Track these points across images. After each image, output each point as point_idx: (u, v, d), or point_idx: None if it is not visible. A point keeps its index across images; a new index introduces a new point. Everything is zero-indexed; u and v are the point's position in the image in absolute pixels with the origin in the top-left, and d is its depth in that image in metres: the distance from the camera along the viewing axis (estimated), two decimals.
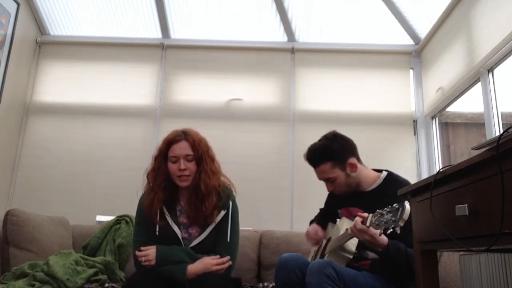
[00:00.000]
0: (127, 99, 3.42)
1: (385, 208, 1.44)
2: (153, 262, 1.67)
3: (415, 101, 3.39)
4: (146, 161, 3.23)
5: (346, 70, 3.43)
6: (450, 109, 3.14)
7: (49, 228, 2.49)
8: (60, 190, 3.21)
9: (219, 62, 3.48)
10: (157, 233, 1.76)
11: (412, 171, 3.16)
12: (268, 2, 3.35)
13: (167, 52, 3.53)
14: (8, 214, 2.32)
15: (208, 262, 1.70)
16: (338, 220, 1.90)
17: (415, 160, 3.25)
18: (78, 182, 3.23)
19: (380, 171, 1.89)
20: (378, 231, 1.50)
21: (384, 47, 3.45)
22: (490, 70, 2.50)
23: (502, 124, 2.44)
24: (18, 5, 3.20)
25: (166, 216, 1.79)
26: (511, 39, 2.20)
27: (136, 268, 1.76)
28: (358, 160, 1.87)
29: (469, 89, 2.77)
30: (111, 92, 3.44)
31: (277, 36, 3.54)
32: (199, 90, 3.42)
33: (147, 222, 1.79)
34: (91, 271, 2.18)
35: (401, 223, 1.34)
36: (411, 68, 3.44)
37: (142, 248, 1.71)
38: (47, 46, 3.58)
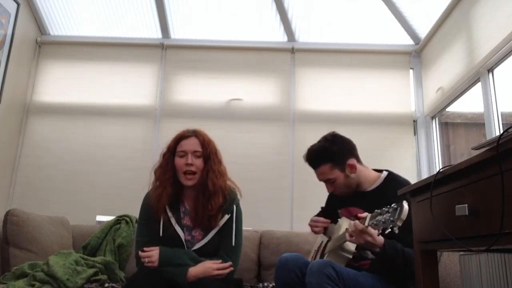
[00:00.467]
0: (127, 99, 3.42)
1: (384, 208, 1.44)
2: (156, 264, 1.66)
3: (415, 101, 3.39)
4: (146, 161, 3.26)
5: (346, 70, 3.43)
6: (450, 109, 3.14)
7: (49, 228, 2.49)
8: (60, 190, 3.21)
9: (219, 62, 3.48)
10: (160, 234, 1.75)
11: (412, 171, 3.16)
12: (268, 2, 3.35)
13: (167, 52, 3.53)
14: (8, 214, 2.32)
15: (209, 266, 1.69)
16: (338, 220, 1.90)
17: (415, 160, 3.25)
18: (78, 182, 3.23)
19: (380, 171, 1.89)
20: (376, 231, 1.50)
21: (384, 47, 3.45)
22: (490, 70, 2.50)
23: (502, 124, 2.44)
24: (18, 5, 3.20)
25: (170, 217, 1.78)
26: (511, 39, 2.20)
27: (137, 268, 1.75)
28: (358, 160, 1.87)
29: (469, 89, 2.77)
30: (111, 92, 3.44)
31: (277, 36, 3.54)
32: (199, 90, 3.42)
33: (150, 222, 1.78)
34: (91, 271, 2.18)
35: (399, 223, 1.34)
36: (411, 68, 3.44)
37: (145, 248, 1.71)
38: (47, 46, 3.58)
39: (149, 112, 3.40)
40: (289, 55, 3.48)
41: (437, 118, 3.29)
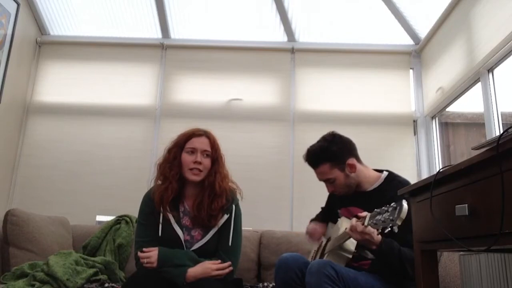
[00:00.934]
0: (127, 99, 3.42)
1: (383, 208, 1.44)
2: (155, 264, 1.66)
3: (415, 101, 3.39)
4: (146, 161, 3.27)
5: (346, 70, 3.43)
6: (450, 109, 3.14)
7: (49, 228, 2.49)
8: (60, 190, 3.21)
9: (219, 62, 3.48)
10: (160, 234, 1.75)
11: (412, 171, 3.16)
12: (268, 2, 3.35)
13: (167, 52, 3.53)
14: (8, 214, 2.32)
15: (208, 267, 1.69)
16: (338, 219, 1.90)
17: (415, 160, 3.25)
18: (78, 182, 3.23)
19: (380, 171, 1.89)
20: (375, 230, 1.50)
21: (384, 47, 3.45)
22: (490, 70, 2.50)
23: (502, 124, 2.44)
24: (18, 5, 3.20)
25: (169, 217, 1.77)
26: (511, 39, 2.20)
27: (136, 268, 1.75)
28: (358, 160, 1.87)
29: (469, 89, 2.77)
30: (111, 92, 3.44)
31: (277, 36, 3.54)
32: (199, 90, 3.42)
33: (150, 222, 1.78)
34: (91, 271, 2.18)
35: (399, 222, 1.34)
36: (411, 68, 3.44)
37: (144, 249, 1.70)
38: (47, 46, 3.58)
39: (149, 112, 3.40)
40: (289, 55, 3.48)
41: (437, 118, 3.29)
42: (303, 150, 1.93)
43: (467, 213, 1.01)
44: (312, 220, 2.14)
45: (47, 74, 3.51)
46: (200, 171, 1.77)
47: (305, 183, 3.11)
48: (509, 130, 0.89)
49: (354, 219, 1.57)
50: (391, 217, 1.36)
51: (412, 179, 1.84)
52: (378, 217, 1.44)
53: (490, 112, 2.48)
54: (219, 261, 1.73)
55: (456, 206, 1.05)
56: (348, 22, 3.43)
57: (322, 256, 1.88)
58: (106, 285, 2.13)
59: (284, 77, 3.44)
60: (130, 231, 2.62)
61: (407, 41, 3.45)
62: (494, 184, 0.93)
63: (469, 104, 2.99)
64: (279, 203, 3.17)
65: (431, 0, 3.05)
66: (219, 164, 1.82)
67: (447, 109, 3.15)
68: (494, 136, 1.32)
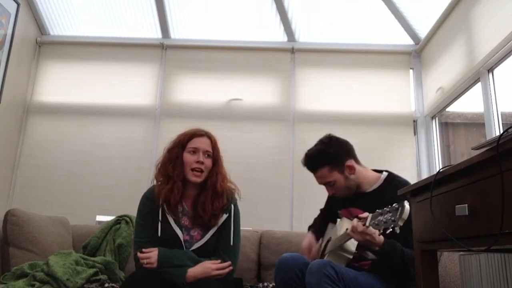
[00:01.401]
0: (127, 99, 3.42)
1: (385, 208, 1.44)
2: (155, 265, 1.65)
3: (415, 101, 3.39)
4: (146, 161, 3.27)
5: (346, 70, 3.43)
6: (450, 109, 3.14)
7: (49, 228, 2.49)
8: (60, 190, 3.21)
9: (219, 62, 3.48)
10: (159, 234, 1.75)
11: (412, 171, 3.16)
12: (268, 2, 3.35)
13: (167, 52, 3.53)
14: (8, 214, 2.32)
15: (208, 267, 1.69)
16: (338, 220, 1.90)
17: (415, 160, 3.25)
18: (78, 182, 3.23)
19: (380, 171, 1.89)
20: (376, 231, 1.50)
21: (384, 47, 3.45)
22: (490, 70, 2.50)
23: (502, 124, 2.44)
24: (18, 5, 3.20)
25: (168, 218, 1.77)
26: (511, 39, 2.20)
27: (136, 269, 1.75)
28: (356, 161, 1.87)
29: (469, 89, 2.77)
30: (111, 92, 3.44)
31: (277, 36, 3.54)
32: (199, 90, 3.42)
33: (148, 222, 1.77)
34: (91, 271, 2.18)
35: (401, 223, 1.34)
36: (411, 68, 3.44)
37: (144, 250, 1.70)
38: (47, 46, 3.58)
39: (149, 112, 3.40)
40: (289, 55, 3.48)
41: (437, 118, 3.29)
42: (303, 150, 1.93)
43: (467, 213, 1.01)
44: (309, 228, 2.14)
45: (47, 74, 3.51)
46: (202, 171, 1.77)
47: (305, 183, 3.11)
48: (509, 130, 0.89)
49: (355, 220, 1.57)
50: (392, 218, 1.36)
51: (412, 179, 1.84)
52: (380, 217, 1.44)
53: (490, 112, 2.48)
54: (219, 260, 1.73)
55: (456, 206, 1.05)
56: (348, 22, 3.43)
57: (322, 256, 1.88)
58: (106, 285, 2.13)
59: (284, 77, 3.44)
60: (130, 231, 2.62)
61: (407, 41, 3.45)
62: (494, 184, 0.93)
63: (469, 104, 2.99)
64: (279, 203, 3.17)
65: (431, 0, 3.05)
66: (219, 165, 1.84)
67: (447, 109, 3.15)
68: (494, 136, 1.32)
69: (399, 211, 1.35)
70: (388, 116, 3.31)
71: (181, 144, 1.82)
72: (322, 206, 2.16)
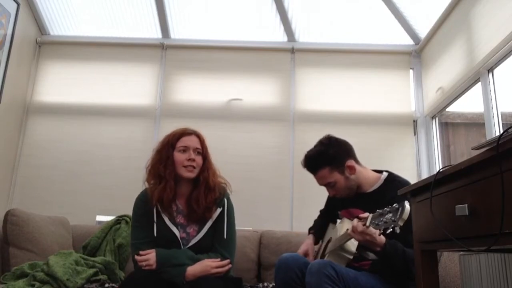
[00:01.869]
0: (127, 99, 3.42)
1: (385, 208, 1.44)
2: (154, 266, 1.66)
3: (415, 101, 3.39)
4: (146, 161, 3.24)
5: (346, 70, 3.43)
6: (450, 109, 3.14)
7: (49, 228, 2.49)
8: (60, 190, 3.21)
9: (219, 62, 3.48)
10: (155, 235, 1.75)
11: (412, 171, 3.16)
12: (268, 2, 3.35)
13: (167, 52, 3.53)
14: (8, 214, 2.31)
15: (207, 265, 1.70)
16: (338, 220, 1.90)
17: (415, 160, 3.25)
18: (78, 182, 3.23)
19: (380, 171, 1.89)
20: (377, 231, 1.50)
21: (384, 47, 3.45)
22: (490, 70, 2.50)
23: (502, 124, 2.44)
24: (18, 5, 3.20)
25: (163, 217, 1.78)
26: (511, 39, 2.20)
27: (135, 269, 1.75)
28: (356, 161, 1.87)
29: (469, 89, 2.77)
30: (111, 92, 3.44)
31: (277, 36, 3.54)
32: (199, 90, 3.42)
33: (144, 224, 1.78)
34: (91, 271, 2.18)
35: (401, 223, 1.34)
36: (411, 68, 3.44)
37: (141, 252, 1.70)
38: (47, 46, 3.58)
39: (149, 112, 3.40)
40: (289, 55, 3.48)
41: (437, 118, 3.29)
42: (303, 150, 1.93)
43: (467, 213, 1.01)
44: (310, 230, 2.14)
45: (47, 74, 3.51)
46: (194, 167, 1.81)
47: (305, 183, 3.10)
48: (509, 130, 0.89)
49: (355, 220, 1.57)
50: (393, 218, 1.36)
51: (412, 179, 1.84)
52: (380, 218, 1.44)
53: (490, 112, 2.48)
54: (218, 258, 1.74)
55: (456, 206, 1.05)
56: (348, 22, 3.43)
57: (322, 256, 1.88)
58: (106, 285, 2.13)
59: (284, 77, 3.44)
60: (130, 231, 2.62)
61: (407, 41, 3.45)
62: (494, 184, 0.93)
63: (469, 104, 2.99)
64: (279, 203, 3.17)
65: (431, 0, 3.05)
66: (209, 161, 1.88)
67: (447, 109, 3.15)
68: (494, 136, 1.32)
69: (400, 211, 1.35)
70: (388, 116, 3.31)
71: (170, 143, 1.85)
72: (322, 206, 2.16)
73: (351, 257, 1.69)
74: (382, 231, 1.47)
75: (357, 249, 1.69)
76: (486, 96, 2.52)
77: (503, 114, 2.47)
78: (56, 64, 3.54)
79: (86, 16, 3.54)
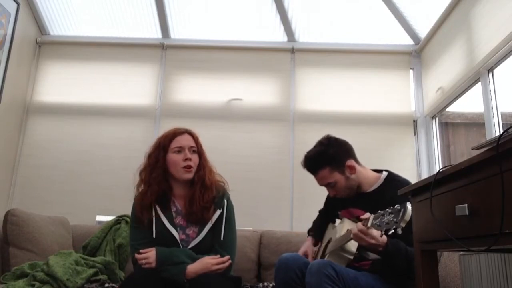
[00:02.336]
0: (127, 99, 3.42)
1: (387, 209, 1.44)
2: (154, 265, 1.65)
3: (415, 101, 3.39)
4: None
5: (346, 70, 3.43)
6: (450, 109, 3.14)
7: (49, 228, 2.49)
8: (60, 190, 3.21)
9: (219, 62, 3.48)
10: (154, 236, 1.75)
11: (412, 171, 3.16)
12: (268, 2, 3.35)
13: (167, 52, 3.53)
14: (8, 214, 2.31)
15: (208, 262, 1.69)
16: (338, 220, 1.90)
17: (415, 160, 3.25)
18: (78, 182, 3.23)
19: (380, 171, 1.89)
20: (379, 232, 1.49)
21: (384, 47, 3.45)
22: (490, 70, 2.50)
23: (502, 124, 2.44)
24: (18, 5, 3.20)
25: (162, 219, 1.77)
26: (511, 39, 2.20)
27: (135, 270, 1.75)
28: (356, 161, 1.87)
29: (469, 89, 2.77)
30: (111, 92, 3.44)
31: (277, 36, 3.54)
32: (199, 90, 3.42)
33: (142, 225, 1.77)
34: (91, 271, 2.18)
35: (403, 224, 1.34)
36: (411, 68, 3.44)
37: (141, 250, 1.70)
38: (47, 46, 3.58)
39: (149, 112, 3.40)
40: (289, 55, 3.48)
41: (437, 118, 3.29)
42: (303, 150, 1.93)
43: (467, 213, 1.01)
44: (309, 231, 2.14)
45: (47, 74, 3.51)
46: (191, 167, 1.79)
47: (305, 183, 3.10)
48: (509, 130, 0.89)
49: (359, 224, 1.55)
50: (395, 219, 1.36)
51: (412, 179, 1.84)
52: (382, 218, 1.43)
53: (490, 112, 2.48)
54: (218, 256, 1.73)
55: (456, 206, 1.05)
56: (348, 22, 3.43)
57: (323, 257, 1.87)
58: (106, 285, 2.13)
59: (284, 77, 3.44)
60: None
61: (407, 41, 3.45)
62: (494, 184, 0.93)
63: (469, 104, 2.99)
64: (279, 203, 3.17)
65: (431, 0, 3.05)
66: (204, 159, 1.86)
67: (447, 109, 3.15)
68: (494, 136, 1.32)
69: (401, 212, 1.34)
70: (388, 116, 3.31)
71: (162, 146, 1.83)
72: (322, 206, 2.16)
73: (352, 257, 1.69)
74: (383, 232, 1.47)
75: (357, 249, 1.69)
76: (486, 96, 2.51)
77: (503, 114, 2.47)
78: (56, 64, 3.54)
79: (86, 16, 3.54)
